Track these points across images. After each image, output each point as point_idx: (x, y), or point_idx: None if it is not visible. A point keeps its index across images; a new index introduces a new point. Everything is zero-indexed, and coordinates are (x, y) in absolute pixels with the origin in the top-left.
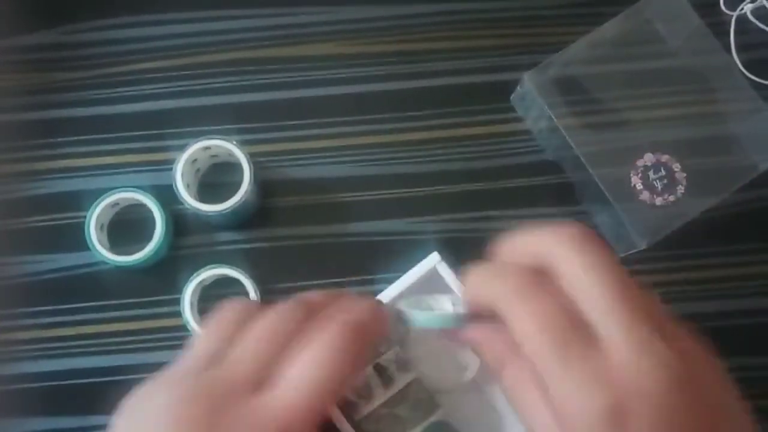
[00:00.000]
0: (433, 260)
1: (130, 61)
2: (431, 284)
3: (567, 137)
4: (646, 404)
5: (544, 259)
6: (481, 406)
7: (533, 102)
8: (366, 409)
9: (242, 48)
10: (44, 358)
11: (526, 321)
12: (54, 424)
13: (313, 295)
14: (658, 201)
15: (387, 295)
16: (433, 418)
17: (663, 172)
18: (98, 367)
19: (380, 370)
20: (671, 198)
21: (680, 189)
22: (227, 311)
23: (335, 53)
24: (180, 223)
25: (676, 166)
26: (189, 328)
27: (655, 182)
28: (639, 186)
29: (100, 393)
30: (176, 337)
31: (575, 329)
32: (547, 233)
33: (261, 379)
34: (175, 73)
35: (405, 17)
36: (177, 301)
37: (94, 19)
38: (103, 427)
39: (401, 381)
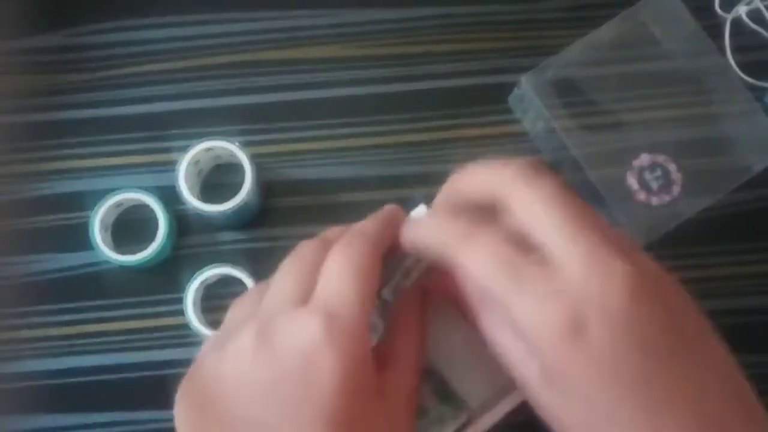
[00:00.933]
0: (420, 212)
1: (134, 64)
2: None
3: (564, 138)
4: (605, 315)
5: (493, 195)
6: (467, 347)
7: (531, 104)
8: None
9: (244, 50)
10: (48, 357)
11: (474, 257)
12: (57, 421)
13: (332, 231)
14: (654, 201)
15: None
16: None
17: (659, 173)
18: (101, 366)
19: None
20: (667, 198)
21: (676, 189)
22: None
23: (336, 56)
24: (183, 223)
25: (672, 167)
26: (191, 327)
27: (651, 182)
28: (635, 186)
29: (103, 391)
30: (179, 336)
31: (526, 254)
32: (494, 170)
33: (301, 298)
34: (177, 75)
35: (406, 20)
36: (179, 301)
37: (98, 22)
38: (106, 424)
39: (382, 329)
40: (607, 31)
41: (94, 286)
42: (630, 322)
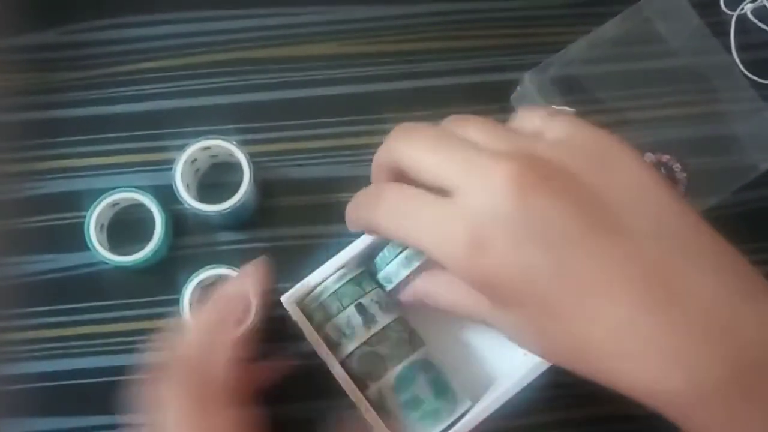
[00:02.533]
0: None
1: (130, 61)
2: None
3: None
4: (499, 222)
5: (392, 163)
6: (463, 344)
7: (533, 102)
8: (348, 348)
9: (241, 48)
10: (44, 359)
11: (382, 212)
12: (54, 424)
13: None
14: None
15: (342, 257)
16: (414, 356)
17: (663, 172)
18: (98, 368)
19: (362, 310)
20: None
21: (681, 189)
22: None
23: (335, 53)
24: (179, 223)
25: (677, 166)
26: None
27: None
28: None
29: (100, 393)
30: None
31: (421, 192)
32: (385, 143)
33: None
34: (174, 73)
35: (405, 17)
36: (176, 302)
37: (94, 19)
38: (103, 427)
39: (383, 321)
40: (610, 29)
41: (90, 287)
42: (527, 219)
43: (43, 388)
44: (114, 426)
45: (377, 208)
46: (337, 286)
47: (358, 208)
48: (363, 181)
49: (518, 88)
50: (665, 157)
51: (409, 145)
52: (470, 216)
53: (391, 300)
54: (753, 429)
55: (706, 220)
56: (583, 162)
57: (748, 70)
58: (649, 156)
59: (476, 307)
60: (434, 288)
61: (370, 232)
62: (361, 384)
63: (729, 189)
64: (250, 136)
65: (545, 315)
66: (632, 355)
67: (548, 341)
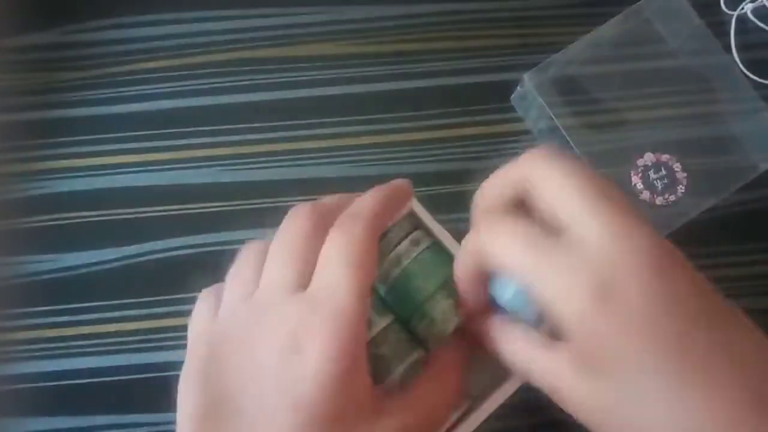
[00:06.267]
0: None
1: (131, 61)
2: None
3: (567, 137)
4: (634, 274)
5: (522, 187)
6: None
7: (533, 102)
8: None
9: (242, 48)
10: (44, 359)
11: (500, 244)
12: (54, 424)
13: (328, 201)
14: (659, 201)
15: None
16: (415, 355)
17: (663, 172)
18: (98, 368)
19: None
20: (672, 198)
21: (681, 189)
22: (245, 251)
23: (335, 53)
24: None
25: (677, 166)
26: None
27: (655, 182)
28: (639, 186)
29: (100, 393)
30: (177, 337)
31: (548, 235)
32: (518, 162)
33: (298, 284)
34: (175, 73)
35: (404, 17)
36: (177, 301)
37: (95, 20)
38: (105, 427)
39: (381, 323)
40: (610, 29)
41: (90, 287)
42: (660, 281)
43: (43, 388)
44: (114, 426)
45: (493, 239)
46: None
47: (467, 246)
48: (363, 181)
49: (518, 87)
50: (665, 157)
51: (551, 173)
52: (601, 264)
53: (382, 302)
54: None
55: (706, 219)
56: (687, 262)
57: (748, 70)
58: (649, 156)
59: (547, 361)
60: (503, 335)
61: (478, 267)
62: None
63: (729, 189)
64: (250, 136)
65: (637, 396)
66: None
67: (609, 417)
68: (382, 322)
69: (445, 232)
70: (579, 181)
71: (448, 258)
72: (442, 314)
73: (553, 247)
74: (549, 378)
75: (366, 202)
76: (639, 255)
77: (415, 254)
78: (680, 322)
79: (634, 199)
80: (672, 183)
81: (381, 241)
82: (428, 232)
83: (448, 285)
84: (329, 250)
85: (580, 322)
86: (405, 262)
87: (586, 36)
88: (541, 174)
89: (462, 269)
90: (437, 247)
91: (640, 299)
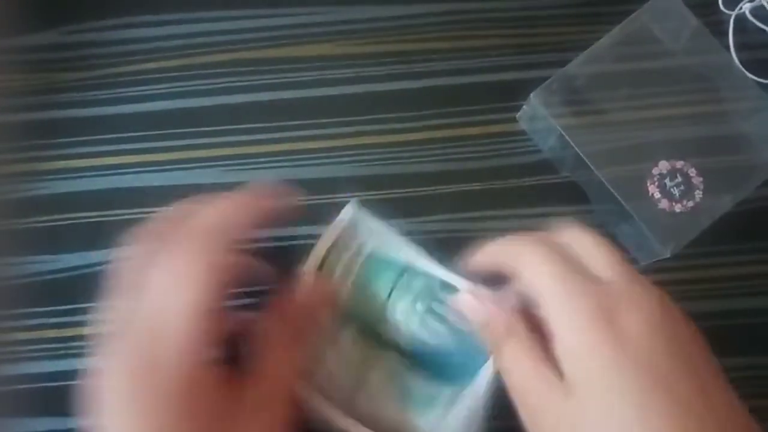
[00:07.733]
0: (348, 211)
1: (131, 62)
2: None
3: (580, 152)
4: (638, 309)
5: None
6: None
7: (541, 120)
8: (320, 371)
9: (242, 49)
10: (44, 359)
11: (532, 261)
12: (54, 424)
13: (171, 216)
14: (678, 208)
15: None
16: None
17: (679, 179)
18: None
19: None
20: (690, 204)
21: (698, 194)
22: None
23: (335, 54)
24: None
25: (692, 171)
26: None
27: (672, 189)
28: (657, 195)
29: None
30: None
31: (576, 270)
32: (559, 230)
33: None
34: (176, 74)
35: (404, 17)
36: None
37: (95, 20)
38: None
39: (344, 338)
40: (609, 40)
41: (90, 287)
42: (661, 320)
43: (43, 388)
44: None
45: (529, 255)
46: None
47: (495, 248)
48: (363, 181)
49: (524, 106)
50: (680, 164)
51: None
52: (611, 295)
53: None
54: None
55: (725, 219)
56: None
57: (747, 70)
58: (664, 164)
59: (542, 383)
60: (510, 349)
61: (495, 268)
62: (350, 403)
63: (746, 188)
64: (250, 137)
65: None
66: None
67: None
68: (346, 336)
69: (390, 230)
70: (608, 246)
71: (392, 260)
72: (403, 314)
73: (574, 274)
74: (537, 401)
75: (206, 212)
76: (647, 297)
77: (357, 266)
78: (674, 360)
79: (653, 209)
80: (689, 188)
81: (328, 257)
82: (371, 238)
83: (401, 286)
84: (155, 273)
85: (577, 337)
86: (351, 277)
87: (586, 51)
88: (578, 235)
89: (480, 261)
90: (379, 252)
91: (641, 330)
